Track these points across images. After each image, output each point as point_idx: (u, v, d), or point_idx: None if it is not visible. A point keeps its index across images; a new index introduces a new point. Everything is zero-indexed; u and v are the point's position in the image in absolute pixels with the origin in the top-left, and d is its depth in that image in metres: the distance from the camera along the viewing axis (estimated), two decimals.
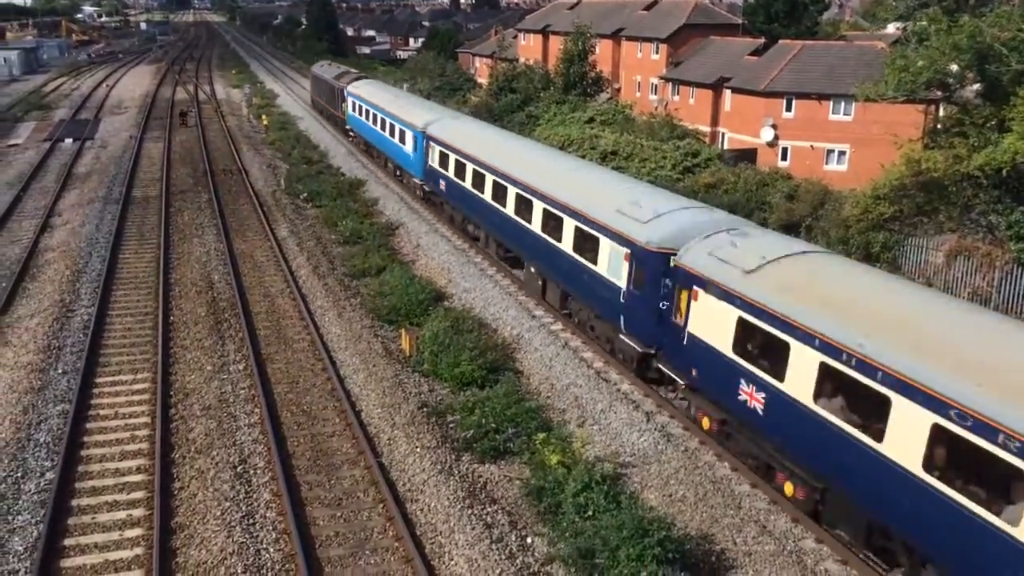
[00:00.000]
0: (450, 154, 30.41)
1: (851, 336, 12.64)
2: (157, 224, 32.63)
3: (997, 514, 10.61)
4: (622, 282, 18.68)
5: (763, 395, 14.50)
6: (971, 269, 24.13)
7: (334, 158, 46.46)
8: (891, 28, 64.98)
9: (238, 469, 15.85)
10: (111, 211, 34.48)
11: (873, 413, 12.25)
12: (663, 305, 17.58)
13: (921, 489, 11.47)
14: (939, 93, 26.47)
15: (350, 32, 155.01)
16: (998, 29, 23.23)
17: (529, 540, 14.08)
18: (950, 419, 11.11)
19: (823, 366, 13.07)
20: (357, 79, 51.17)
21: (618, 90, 66.18)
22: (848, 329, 12.79)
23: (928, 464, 11.44)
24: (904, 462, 11.73)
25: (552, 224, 22.08)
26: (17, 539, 13.65)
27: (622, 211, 19.09)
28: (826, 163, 46.41)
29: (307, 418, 17.91)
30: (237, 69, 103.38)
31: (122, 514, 14.41)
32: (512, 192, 24.73)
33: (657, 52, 61.40)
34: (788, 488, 14.67)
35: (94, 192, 38.14)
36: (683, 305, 16.77)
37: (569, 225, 21.07)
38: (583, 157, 36.42)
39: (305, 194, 37.67)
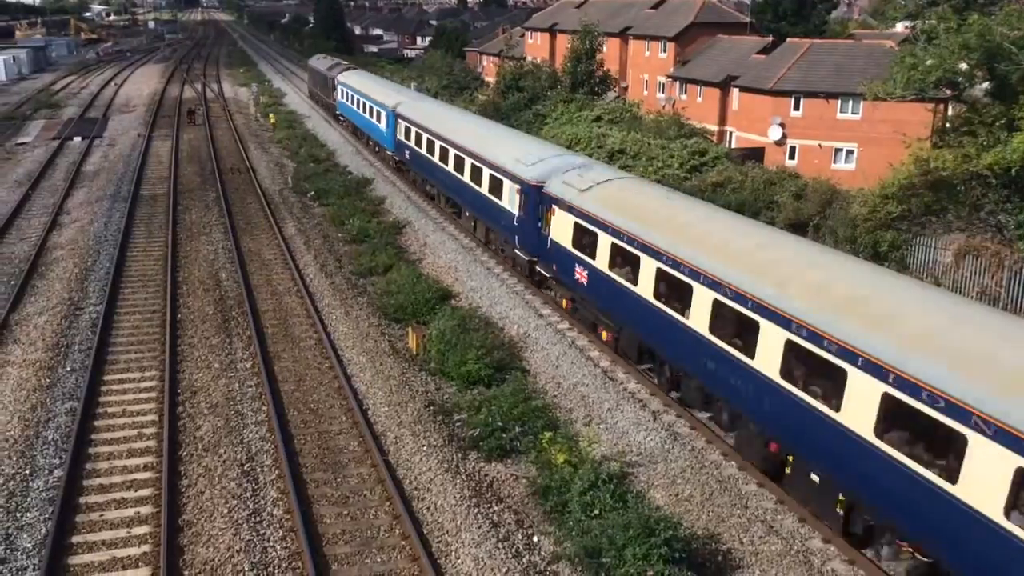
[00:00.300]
0: (412, 128, 36.39)
1: (629, 226, 19.06)
2: (165, 222, 32.72)
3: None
4: (515, 210, 24.78)
5: (587, 272, 21.04)
6: (980, 268, 24.03)
7: (341, 156, 46.51)
8: (900, 27, 64.75)
9: (245, 467, 15.89)
10: (119, 209, 34.59)
11: (634, 271, 18.78)
12: (539, 224, 23.51)
13: (670, 323, 17.42)
14: (948, 92, 26.34)
15: (357, 31, 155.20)
16: (1007, 28, 23.11)
17: (535, 539, 14.08)
18: (725, 295, 15.51)
19: (614, 246, 19.59)
20: (346, 70, 56.87)
21: (625, 89, 66.12)
22: (628, 223, 19.17)
23: (657, 295, 18.13)
24: (646, 294, 18.32)
25: (476, 175, 28.23)
26: (26, 536, 13.71)
27: (518, 159, 25.26)
28: (834, 162, 46.30)
29: (314, 416, 17.94)
30: (245, 68, 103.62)
31: (130, 511, 14.46)
32: (451, 153, 30.84)
33: (664, 51, 61.32)
34: (604, 335, 21.18)
35: (102, 190, 38.28)
36: (548, 221, 22.90)
37: (486, 174, 27.19)
38: (591, 156, 36.40)
39: (312, 192, 37.73)
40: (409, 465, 16.12)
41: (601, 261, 20.16)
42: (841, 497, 13.44)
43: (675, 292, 17.27)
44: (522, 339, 22.01)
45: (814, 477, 13.97)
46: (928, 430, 11.57)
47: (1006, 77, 23.49)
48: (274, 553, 13.46)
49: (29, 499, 14.68)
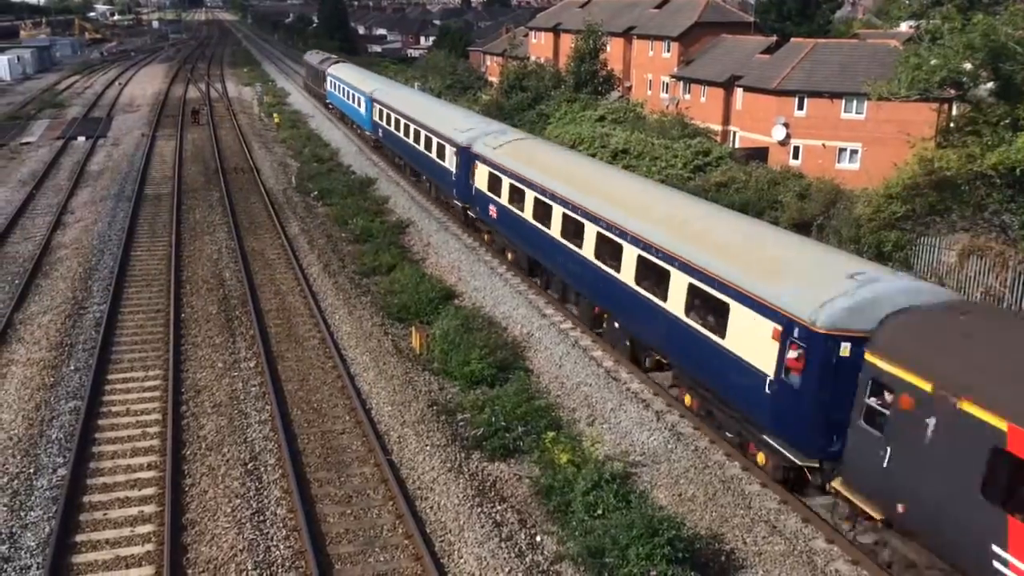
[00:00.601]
0: (384, 109, 43.11)
1: (519, 169, 25.35)
2: (169, 222, 32.77)
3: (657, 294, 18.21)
4: (454, 168, 30.81)
5: (496, 208, 27.21)
6: (984, 269, 23.97)
7: (345, 156, 46.54)
8: (904, 26, 64.65)
9: (249, 466, 15.90)
10: (123, 209, 34.64)
11: (521, 202, 24.71)
12: (468, 177, 29.45)
13: (557, 246, 22.92)
14: (952, 92, 26.28)
15: (361, 30, 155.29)
16: (1012, 28, 23.05)
17: (538, 539, 14.07)
18: (568, 209, 22.06)
19: (512, 186, 25.66)
20: (335, 63, 63.02)
21: (629, 88, 66.08)
22: (519, 168, 25.42)
23: (535, 217, 24.07)
24: (528, 218, 24.48)
25: (428, 144, 34.54)
26: (29, 535, 13.74)
27: (456, 129, 31.52)
28: (838, 162, 46.21)
29: (317, 415, 17.95)
30: (248, 67, 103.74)
31: (133, 510, 14.48)
32: (412, 128, 37.25)
33: (668, 50, 61.27)
34: (509, 256, 27.70)
35: (106, 190, 38.34)
36: (475, 174, 28.92)
37: (435, 142, 33.44)
38: (594, 155, 36.42)
39: (316, 192, 37.76)
40: (412, 465, 16.12)
41: (504, 199, 26.43)
42: (629, 341, 20.24)
43: (544, 213, 23.49)
44: (525, 339, 22.01)
45: (616, 324, 20.77)
46: (710, 304, 16.17)
47: (1011, 77, 23.44)
48: (277, 552, 13.47)
49: (33, 498, 14.71)
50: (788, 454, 14.47)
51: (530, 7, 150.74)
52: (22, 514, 14.26)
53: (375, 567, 13.24)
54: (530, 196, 24.26)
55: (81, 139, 52.04)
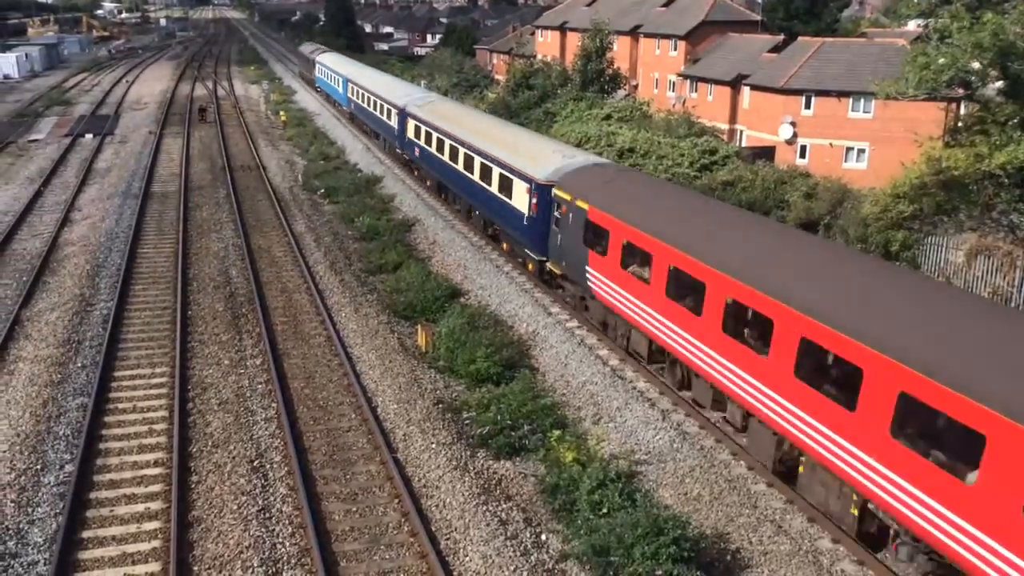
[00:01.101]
0: (356, 88, 52.96)
1: (435, 122, 34.03)
2: (176, 219, 32.84)
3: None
4: (395, 126, 40.79)
5: (419, 150, 36.47)
6: (991, 268, 23.91)
7: (351, 154, 46.60)
8: (912, 25, 64.43)
9: (255, 463, 15.94)
10: (130, 206, 34.73)
11: (438, 146, 33.14)
12: (404, 133, 38.98)
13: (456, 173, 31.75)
14: (961, 91, 26.19)
15: (368, 28, 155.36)
16: (1021, 27, 22.95)
17: (544, 537, 14.08)
18: (467, 149, 29.85)
19: (426, 133, 34.87)
20: (322, 52, 74.31)
21: (635, 87, 65.99)
22: (435, 122, 33.96)
23: (446, 156, 32.24)
24: (441, 155, 33.08)
25: (384, 111, 43.69)
26: (36, 531, 13.79)
27: (396, 96, 41.98)
28: (845, 161, 46.09)
29: (323, 413, 17.98)
30: (255, 66, 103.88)
31: (140, 507, 14.52)
32: (376, 102, 46.30)
33: (675, 49, 61.18)
34: (428, 183, 36.75)
35: (114, 187, 38.44)
36: (409, 129, 38.02)
37: (384, 108, 43.69)
38: (600, 154, 36.39)
39: (322, 190, 37.80)
40: (418, 463, 16.14)
41: (423, 142, 35.77)
42: (484, 222, 30.09)
43: (453, 153, 31.39)
44: (531, 337, 22.01)
45: (476, 213, 30.66)
46: (508, 182, 25.72)
47: (1020, 76, 23.35)
48: (283, 549, 13.50)
49: (40, 494, 14.77)
50: (536, 256, 24.62)
51: (537, 5, 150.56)
52: (29, 510, 14.31)
53: (380, 565, 13.25)
54: (440, 140, 33.18)
55: (89, 137, 52.18)
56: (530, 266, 25.55)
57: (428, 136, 34.58)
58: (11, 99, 72.15)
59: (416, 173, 39.25)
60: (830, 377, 13.80)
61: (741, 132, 53.20)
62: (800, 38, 53.26)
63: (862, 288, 13.73)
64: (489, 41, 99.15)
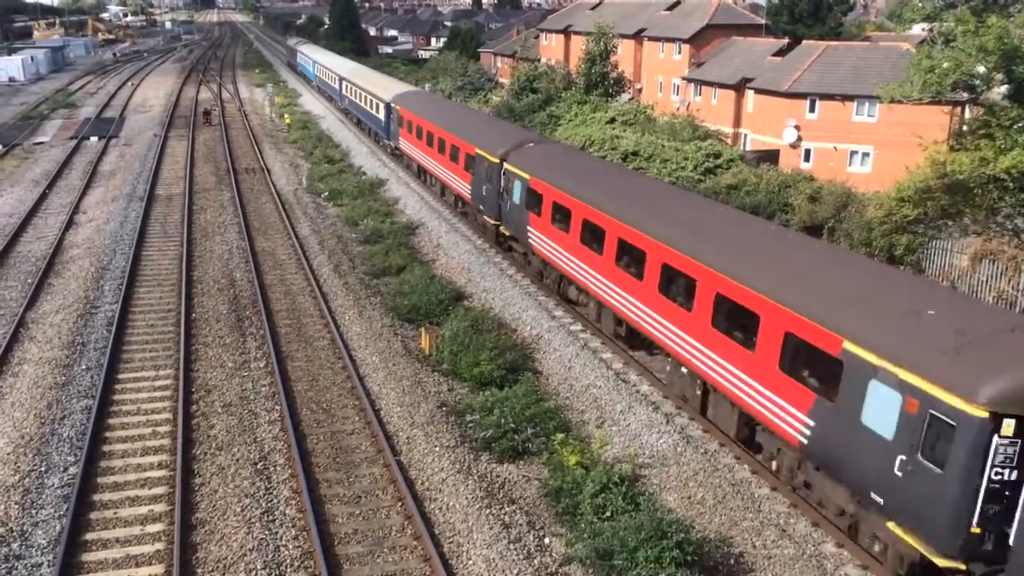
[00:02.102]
0: (320, 66, 73.05)
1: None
2: (180, 222, 32.90)
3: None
4: (338, 88, 61.18)
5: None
6: (996, 273, 23.86)
7: (355, 157, 46.66)
8: (917, 29, 64.35)
9: (258, 466, 15.95)
10: (135, 209, 34.80)
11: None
12: (344, 96, 57.89)
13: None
14: (965, 95, 26.15)
15: (372, 32, 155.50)
16: None
17: (547, 540, 14.07)
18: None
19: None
20: (303, 43, 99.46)
21: (639, 90, 66.00)
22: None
23: (365, 103, 50.87)
24: (360, 102, 51.66)
25: (367, 101, 50.30)
26: (40, 533, 13.81)
27: (340, 69, 62.32)
28: (849, 165, 46.03)
29: (327, 416, 17.99)
30: (260, 69, 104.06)
31: (143, 509, 14.54)
32: (352, 88, 55.13)
33: (679, 52, 61.19)
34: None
35: (118, 190, 38.52)
36: (345, 88, 56.59)
37: (370, 99, 48.90)
38: (604, 157, 36.42)
39: (326, 193, 37.85)
40: (421, 466, 16.14)
41: (362, 103, 49.30)
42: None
43: (366, 103, 46.74)
44: (535, 340, 22.01)
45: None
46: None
47: None
48: (286, 552, 13.50)
49: (44, 496, 14.79)
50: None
51: (541, 9, 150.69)
52: (33, 512, 14.34)
53: (384, 568, 13.25)
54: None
55: (94, 139, 52.32)
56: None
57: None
58: (16, 101, 72.38)
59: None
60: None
61: (745, 136, 53.17)
62: (804, 42, 53.22)
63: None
64: (493, 44, 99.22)
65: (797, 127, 47.45)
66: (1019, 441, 10.88)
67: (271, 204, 36.52)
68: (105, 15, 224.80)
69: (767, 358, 14.64)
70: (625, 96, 57.33)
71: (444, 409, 18.24)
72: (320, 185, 39.13)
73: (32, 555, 13.28)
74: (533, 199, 24.54)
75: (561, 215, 22.83)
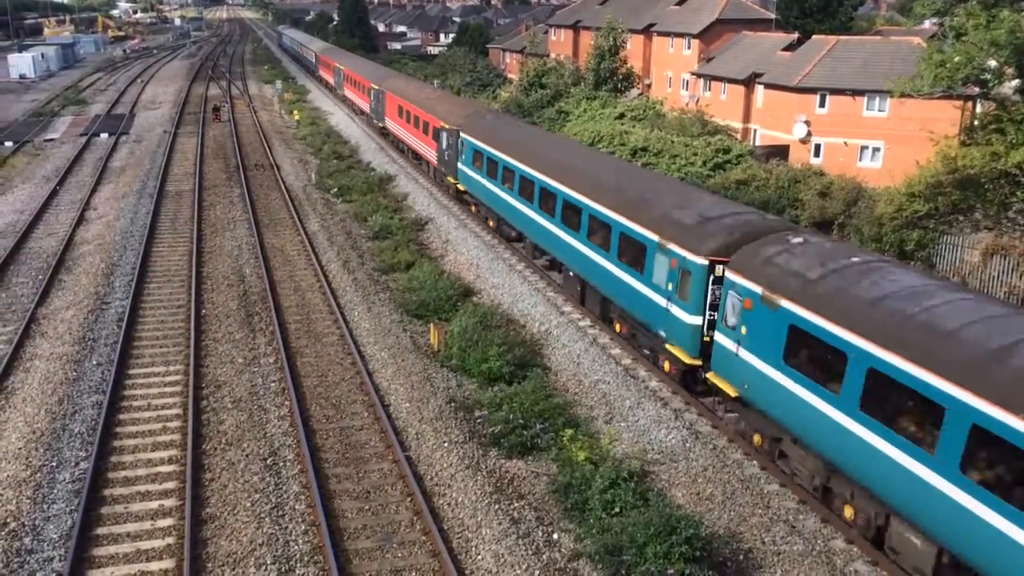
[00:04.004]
0: (296, 42, 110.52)
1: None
2: (190, 218, 33.01)
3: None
4: (314, 61, 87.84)
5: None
6: (1008, 268, 23.73)
7: (364, 153, 46.70)
8: (927, 23, 63.96)
9: (268, 461, 16.00)
10: (145, 205, 34.92)
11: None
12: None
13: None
14: (976, 89, 26.01)
15: (381, 28, 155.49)
16: None
17: (555, 536, 14.08)
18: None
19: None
20: (287, 27, 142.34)
21: (649, 86, 65.83)
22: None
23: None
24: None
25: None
26: (52, 527, 13.89)
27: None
28: (860, 160, 45.79)
29: (336, 411, 18.04)
30: (269, 65, 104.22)
31: (154, 504, 14.61)
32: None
33: (689, 47, 60.98)
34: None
35: (128, 186, 38.66)
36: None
37: (307, 52, 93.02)
38: (613, 153, 36.36)
39: (335, 189, 37.90)
40: (430, 461, 16.16)
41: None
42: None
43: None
44: (543, 336, 22.00)
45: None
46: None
47: None
48: (296, 547, 13.55)
49: (56, 491, 14.87)
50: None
51: (550, 4, 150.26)
52: (45, 507, 14.42)
53: (393, 563, 13.29)
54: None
55: (104, 136, 52.50)
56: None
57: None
58: (27, 98, 72.68)
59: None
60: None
61: (755, 131, 52.97)
62: (814, 36, 52.96)
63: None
64: (502, 40, 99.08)
65: (807, 122, 47.24)
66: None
67: (280, 200, 36.59)
68: (115, 12, 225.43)
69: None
70: (634, 92, 57.26)
71: (453, 405, 18.26)
72: (329, 181, 39.19)
73: (44, 549, 13.37)
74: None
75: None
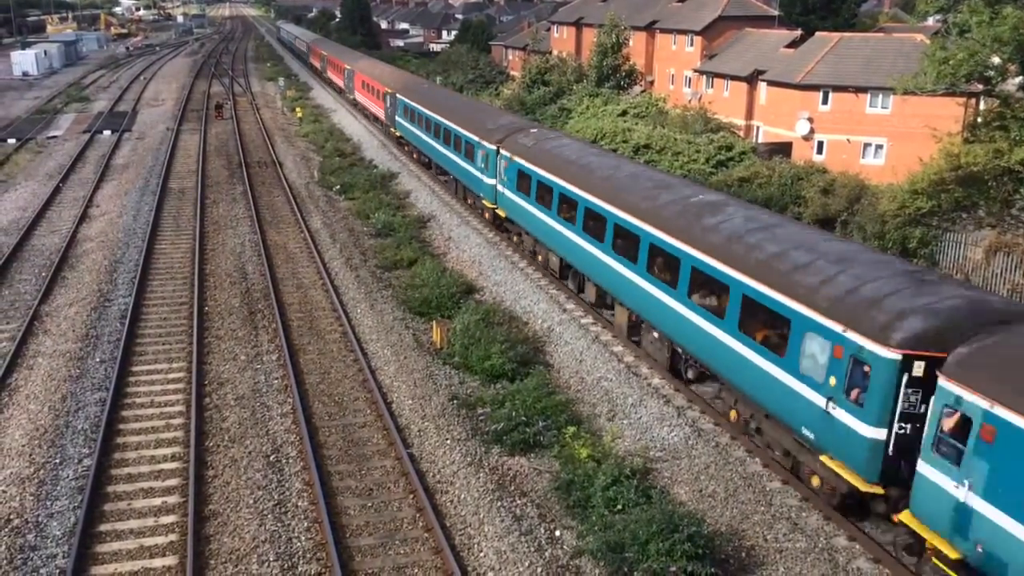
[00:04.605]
0: (290, 33, 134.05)
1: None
2: (192, 215, 33.02)
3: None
4: (306, 51, 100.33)
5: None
6: (1011, 265, 23.71)
7: (367, 150, 46.70)
8: (931, 20, 63.79)
9: (270, 458, 16.02)
10: (148, 202, 34.95)
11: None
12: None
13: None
14: (980, 86, 25.97)
15: (384, 25, 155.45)
16: None
17: (558, 533, 14.09)
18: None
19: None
20: (285, 22, 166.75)
21: (651, 83, 65.75)
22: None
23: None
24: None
25: (297, 41, 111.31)
26: (55, 524, 13.92)
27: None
28: (863, 157, 45.73)
29: (338, 408, 18.05)
30: (271, 62, 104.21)
31: (157, 501, 14.64)
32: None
33: (691, 44, 60.90)
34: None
35: (131, 183, 38.69)
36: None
37: (299, 40, 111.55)
38: (615, 151, 36.32)
39: (338, 186, 37.90)
40: (432, 458, 16.18)
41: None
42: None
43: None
44: (546, 334, 22.00)
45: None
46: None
47: None
48: (299, 544, 13.57)
49: (59, 487, 14.90)
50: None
51: (553, 1, 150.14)
52: (49, 503, 14.46)
53: (395, 560, 13.30)
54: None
55: (107, 133, 52.53)
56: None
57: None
58: (30, 96, 72.73)
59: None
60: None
61: (758, 128, 52.91)
62: (817, 33, 52.85)
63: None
64: (504, 37, 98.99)
65: (810, 119, 47.17)
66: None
67: (283, 198, 36.60)
68: (117, 9, 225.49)
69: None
70: (637, 89, 57.19)
71: (455, 402, 18.27)
72: (332, 178, 39.18)
73: (47, 546, 13.40)
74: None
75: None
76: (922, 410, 12.19)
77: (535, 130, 29.09)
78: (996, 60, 23.91)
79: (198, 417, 17.26)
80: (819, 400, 13.71)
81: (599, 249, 21.32)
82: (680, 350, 18.48)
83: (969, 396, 10.98)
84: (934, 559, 11.77)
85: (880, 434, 12.64)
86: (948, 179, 24.75)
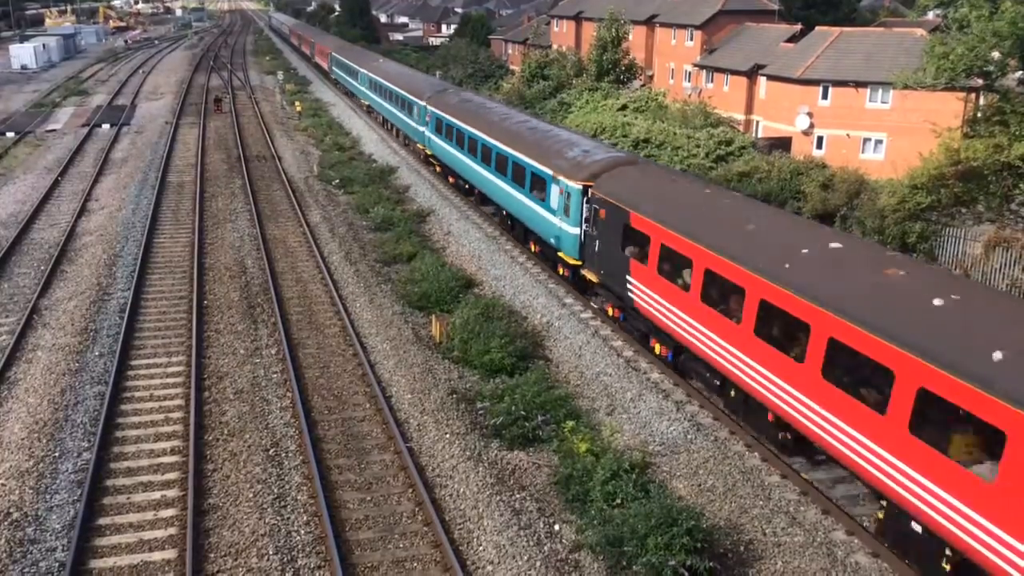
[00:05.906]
0: (280, 22, 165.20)
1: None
2: (191, 209, 33.00)
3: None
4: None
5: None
6: (1010, 261, 23.71)
7: (366, 145, 46.65)
8: (931, 15, 63.68)
9: (270, 452, 16.04)
10: (147, 196, 34.92)
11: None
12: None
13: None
14: (980, 81, 25.95)
15: (383, 18, 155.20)
16: None
17: (557, 527, 14.11)
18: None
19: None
20: (275, 12, 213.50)
21: (651, 77, 65.69)
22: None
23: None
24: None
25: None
26: (55, 517, 13.94)
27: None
28: (862, 152, 45.73)
29: (338, 402, 18.06)
30: (271, 56, 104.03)
31: (156, 495, 14.65)
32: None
33: (691, 39, 60.85)
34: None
35: (130, 177, 38.65)
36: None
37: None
38: (615, 145, 36.31)
39: (337, 180, 37.87)
40: (432, 452, 16.19)
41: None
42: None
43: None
44: (545, 328, 22.01)
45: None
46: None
47: None
48: (298, 537, 13.59)
49: (58, 481, 14.92)
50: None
51: None
52: (48, 497, 14.47)
53: (394, 553, 13.33)
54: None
55: (105, 127, 52.45)
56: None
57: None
58: (29, 89, 72.63)
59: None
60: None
61: (757, 122, 52.90)
62: (818, 28, 52.80)
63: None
64: (504, 31, 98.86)
65: (810, 114, 47.16)
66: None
67: (282, 192, 36.57)
68: (116, 2, 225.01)
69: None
70: (637, 83, 57.11)
71: (454, 396, 18.28)
72: (331, 172, 39.15)
73: (47, 539, 13.41)
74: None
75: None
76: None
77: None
78: (996, 55, 23.88)
79: (197, 411, 17.27)
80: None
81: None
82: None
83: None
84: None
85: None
86: (948, 174, 24.74)
